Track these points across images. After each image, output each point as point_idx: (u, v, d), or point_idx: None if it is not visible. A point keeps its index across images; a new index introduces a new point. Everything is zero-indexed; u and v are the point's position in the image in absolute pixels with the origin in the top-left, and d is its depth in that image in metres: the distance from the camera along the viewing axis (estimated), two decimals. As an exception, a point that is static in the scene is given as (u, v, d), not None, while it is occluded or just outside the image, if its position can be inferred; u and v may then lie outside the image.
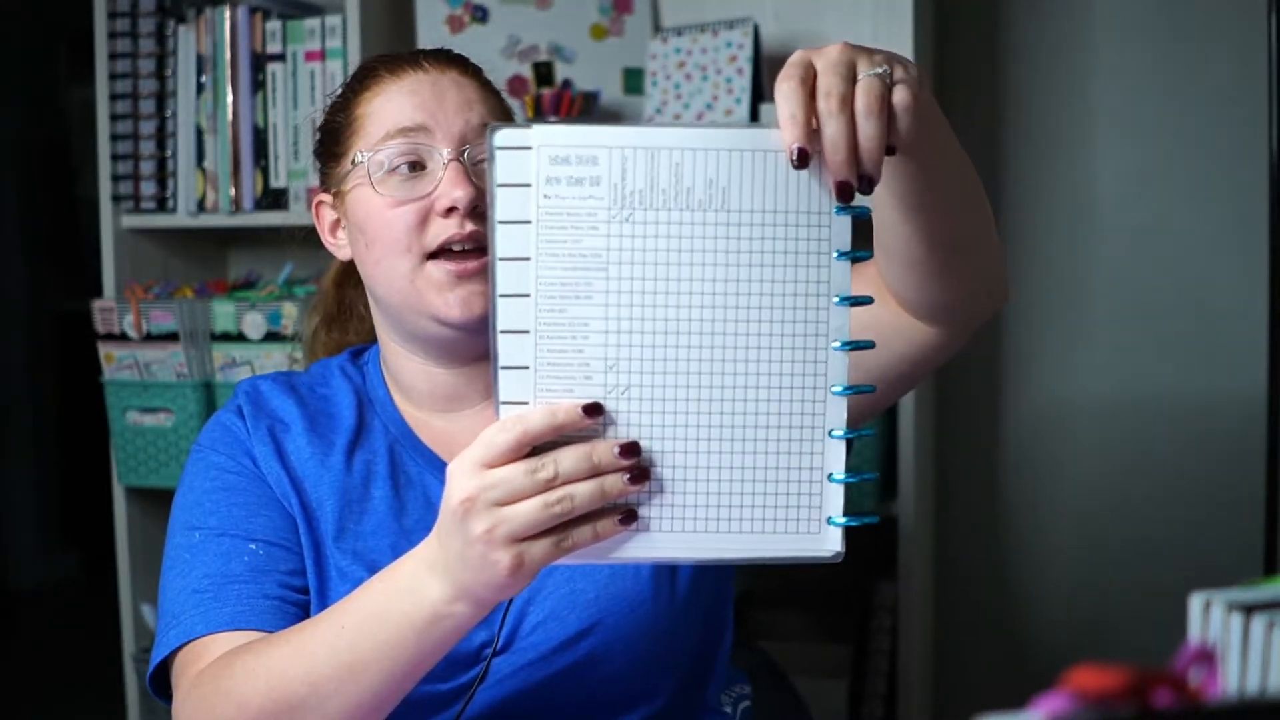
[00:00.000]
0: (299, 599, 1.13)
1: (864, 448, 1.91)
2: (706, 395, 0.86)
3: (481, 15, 2.22)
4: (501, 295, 0.84)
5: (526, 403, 0.84)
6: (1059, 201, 2.19)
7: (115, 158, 2.23)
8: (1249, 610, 0.55)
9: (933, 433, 2.18)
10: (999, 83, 2.21)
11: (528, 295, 0.84)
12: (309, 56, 2.14)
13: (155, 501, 2.25)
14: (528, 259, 0.83)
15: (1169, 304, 2.15)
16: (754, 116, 2.00)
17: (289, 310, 2.06)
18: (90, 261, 2.60)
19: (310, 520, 1.16)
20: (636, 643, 1.15)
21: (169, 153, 2.22)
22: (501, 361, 0.84)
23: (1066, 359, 2.20)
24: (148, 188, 2.23)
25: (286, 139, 2.15)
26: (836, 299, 0.86)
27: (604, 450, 0.84)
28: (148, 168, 2.23)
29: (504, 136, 0.83)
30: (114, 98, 2.22)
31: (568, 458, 0.84)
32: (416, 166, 1.15)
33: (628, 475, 0.85)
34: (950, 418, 2.24)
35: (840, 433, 0.87)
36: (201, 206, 2.20)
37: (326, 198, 1.23)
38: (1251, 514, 2.03)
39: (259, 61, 2.17)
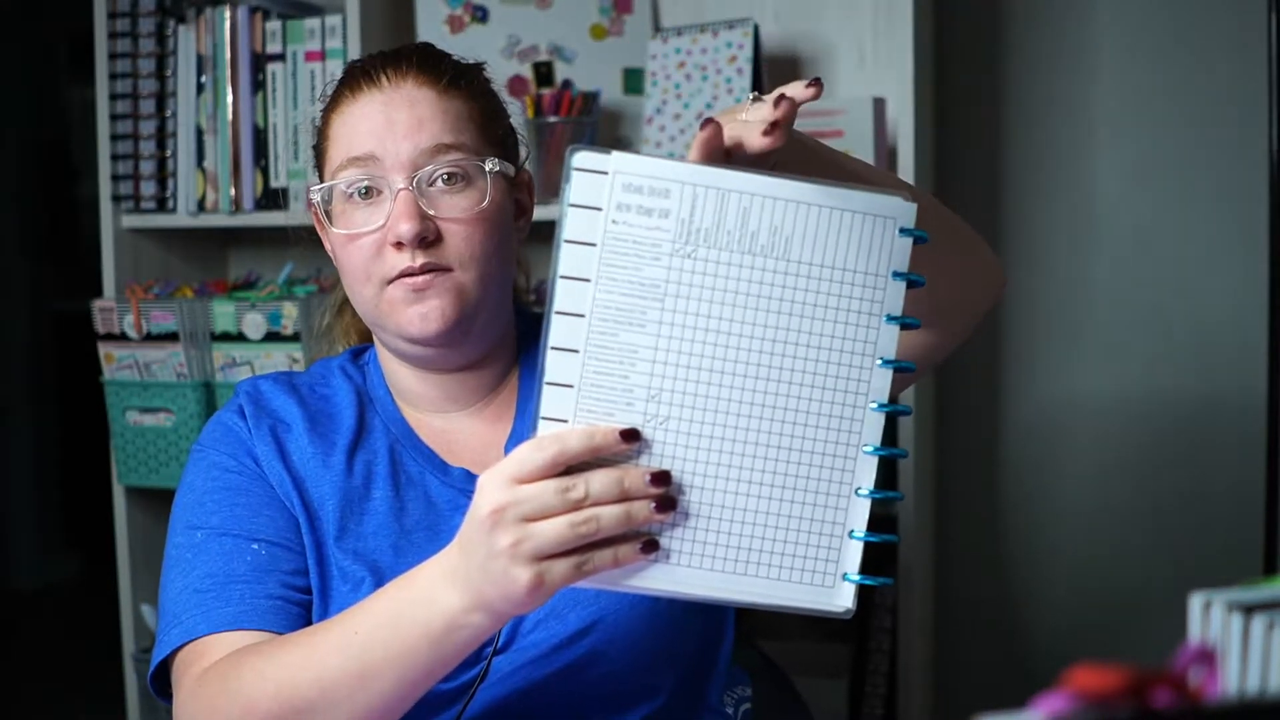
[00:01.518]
0: (302, 599, 1.13)
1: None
2: (742, 437, 0.87)
3: (481, 15, 2.22)
4: (557, 312, 0.85)
5: (566, 420, 0.85)
6: (1059, 202, 2.19)
7: (115, 158, 2.23)
8: (1249, 610, 0.55)
9: (933, 433, 2.18)
10: (999, 84, 2.21)
11: (583, 315, 0.85)
12: (309, 56, 2.14)
13: (155, 501, 2.25)
14: (588, 280, 0.84)
15: (1169, 304, 2.15)
16: (754, 116, 2.00)
17: (289, 310, 2.06)
18: (90, 261, 2.60)
19: (312, 520, 1.16)
20: (637, 640, 1.15)
21: (169, 153, 2.22)
22: (548, 377, 0.85)
23: (1066, 359, 2.20)
24: (148, 188, 2.23)
25: (286, 139, 2.15)
26: (880, 361, 0.87)
27: (635, 477, 0.85)
28: (148, 168, 2.23)
29: (582, 159, 0.84)
30: (114, 98, 2.22)
31: (599, 480, 0.84)
32: (372, 192, 1.15)
33: (655, 504, 0.85)
34: (950, 418, 2.24)
35: (867, 492, 0.89)
36: (201, 206, 2.20)
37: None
38: (1251, 514, 2.03)
39: (259, 61, 2.17)
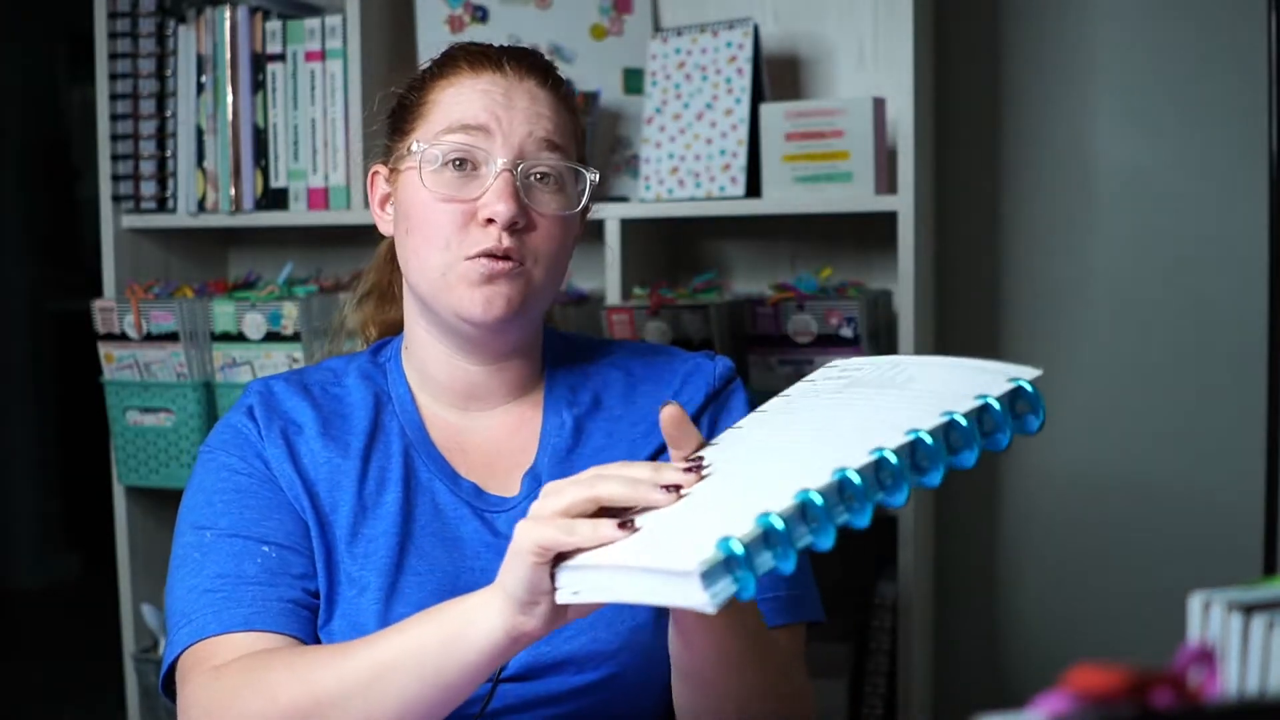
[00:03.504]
0: (311, 603, 1.13)
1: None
2: None
3: (481, 15, 2.22)
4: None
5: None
6: (1058, 200, 2.19)
7: (115, 158, 2.23)
8: (1249, 610, 0.55)
9: (933, 433, 2.18)
10: (999, 84, 2.21)
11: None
12: (309, 56, 2.14)
13: (155, 501, 2.25)
14: None
15: (1168, 304, 2.15)
16: (754, 116, 2.00)
17: (289, 310, 2.06)
18: (90, 261, 2.61)
19: (323, 524, 1.15)
20: (652, 692, 1.18)
21: (169, 153, 2.22)
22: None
23: (1065, 356, 2.20)
24: (148, 188, 2.23)
25: (286, 139, 2.15)
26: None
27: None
28: (148, 168, 2.23)
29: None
30: (114, 98, 2.23)
31: None
32: (469, 165, 1.15)
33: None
34: (950, 418, 2.24)
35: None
36: (201, 206, 2.20)
37: (384, 170, 1.23)
38: (1251, 514, 2.03)
39: (259, 61, 2.17)
